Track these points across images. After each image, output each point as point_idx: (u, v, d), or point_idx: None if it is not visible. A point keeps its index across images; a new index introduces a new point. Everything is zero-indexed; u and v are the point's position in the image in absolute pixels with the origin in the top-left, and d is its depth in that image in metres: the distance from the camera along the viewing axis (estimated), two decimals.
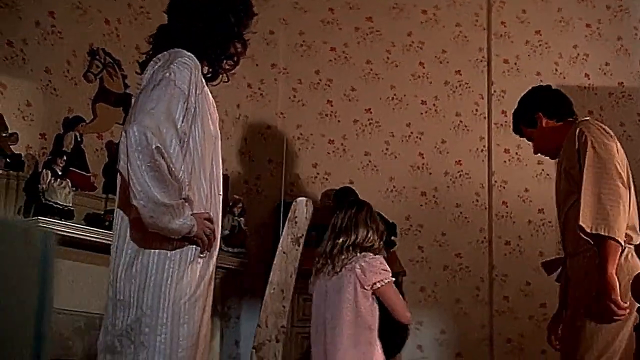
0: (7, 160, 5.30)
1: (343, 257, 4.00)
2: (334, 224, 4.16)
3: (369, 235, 4.04)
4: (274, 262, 3.62)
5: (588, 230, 3.39)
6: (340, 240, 4.05)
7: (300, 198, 3.75)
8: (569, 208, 3.65)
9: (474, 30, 7.53)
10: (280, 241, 3.62)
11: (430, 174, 7.39)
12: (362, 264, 3.98)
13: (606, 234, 3.37)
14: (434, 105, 7.51)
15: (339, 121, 7.48)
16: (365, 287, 3.95)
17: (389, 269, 3.99)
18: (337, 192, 7.10)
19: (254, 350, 3.56)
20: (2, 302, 1.12)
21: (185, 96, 2.71)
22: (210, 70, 2.96)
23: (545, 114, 4.01)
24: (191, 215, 2.67)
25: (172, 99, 2.66)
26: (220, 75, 3.01)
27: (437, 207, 7.34)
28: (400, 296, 4.06)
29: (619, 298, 3.31)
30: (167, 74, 2.70)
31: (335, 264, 4.02)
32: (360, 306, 3.94)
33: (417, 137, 7.47)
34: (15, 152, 5.37)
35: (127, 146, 2.54)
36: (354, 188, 7.04)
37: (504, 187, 7.34)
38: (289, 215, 3.61)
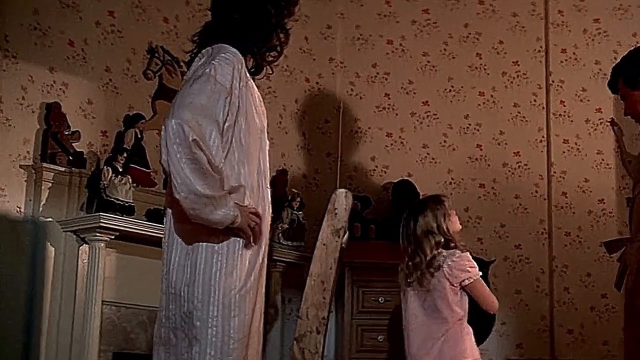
0: (70, 157, 5.44)
1: (431, 270, 4.02)
2: (408, 233, 4.15)
3: (440, 230, 4.05)
4: (314, 254, 3.66)
5: None
6: (420, 255, 4.06)
7: (339, 190, 3.77)
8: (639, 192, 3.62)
9: (531, 19, 7.48)
10: (320, 233, 3.66)
11: (489, 165, 7.37)
12: (450, 262, 4.00)
13: None
14: (491, 96, 7.49)
15: (396, 114, 7.50)
16: (454, 284, 3.99)
17: (475, 265, 4.03)
18: (395, 185, 7.13)
19: (295, 342, 3.60)
20: None
21: (227, 91, 2.74)
22: (254, 63, 2.98)
23: None
24: (235, 206, 2.69)
25: (212, 94, 2.69)
26: (265, 68, 3.02)
27: (496, 198, 7.32)
28: (487, 289, 4.09)
29: None
30: (208, 70, 2.73)
31: (425, 277, 4.03)
32: (451, 302, 3.98)
33: (475, 128, 7.45)
34: (78, 150, 5.51)
35: (166, 140, 2.58)
36: (412, 181, 7.06)
37: (563, 178, 7.28)
38: (329, 207, 3.64)
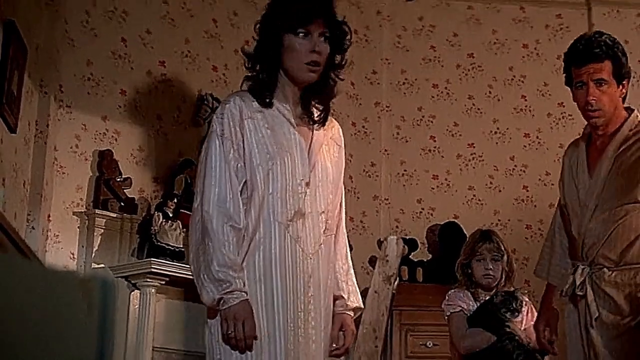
0: (122, 204, 5.58)
1: None
2: None
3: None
4: (366, 302, 3.73)
5: None
6: None
7: (390, 236, 3.85)
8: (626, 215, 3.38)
9: None
10: (372, 280, 3.72)
11: (535, 206, 7.38)
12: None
13: None
14: (537, 137, 7.51)
15: (442, 156, 7.55)
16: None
17: (451, 303, 4.20)
18: (442, 227, 7.17)
19: None
20: (60, 357, 1.20)
21: (229, 138, 2.87)
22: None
23: (627, 83, 3.49)
24: (227, 293, 2.78)
25: (217, 155, 2.87)
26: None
27: (543, 240, 7.28)
28: (459, 329, 4.22)
29: None
30: (211, 129, 2.95)
31: None
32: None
33: (521, 170, 7.48)
34: (129, 196, 5.65)
35: (190, 222, 2.90)
36: (458, 223, 7.09)
37: None
38: (380, 254, 3.71)
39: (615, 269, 3.37)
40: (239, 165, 2.86)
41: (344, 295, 3.05)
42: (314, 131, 3.01)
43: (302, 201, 2.90)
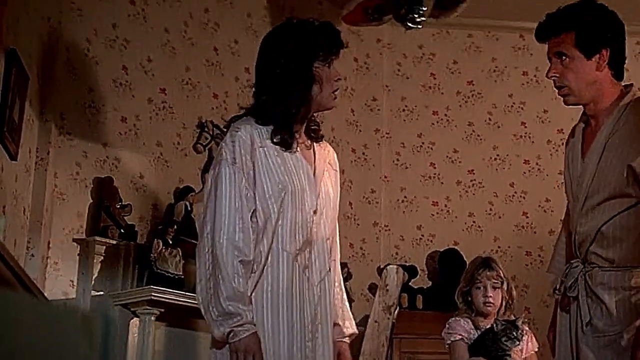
0: (121, 230, 5.57)
1: None
2: None
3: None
4: (366, 332, 3.71)
5: None
6: None
7: (390, 266, 3.84)
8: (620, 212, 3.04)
9: None
10: (372, 309, 3.71)
11: (535, 233, 7.38)
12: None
13: None
14: (537, 164, 7.53)
15: (442, 183, 7.57)
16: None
17: (452, 331, 4.17)
18: (442, 254, 7.17)
19: None
20: None
21: (240, 167, 2.86)
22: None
23: (611, 56, 3.08)
24: (244, 329, 2.79)
25: (228, 183, 2.85)
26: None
27: (543, 266, 7.28)
28: (460, 357, 4.23)
29: None
30: (220, 157, 2.92)
31: None
32: None
33: (520, 196, 7.49)
34: (129, 223, 5.64)
35: (198, 251, 2.87)
36: (458, 249, 7.09)
37: None
38: (380, 283, 3.70)
39: (608, 270, 3.03)
40: (249, 194, 2.86)
41: (340, 323, 3.08)
42: (315, 154, 3.05)
43: (311, 230, 2.93)
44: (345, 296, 3.15)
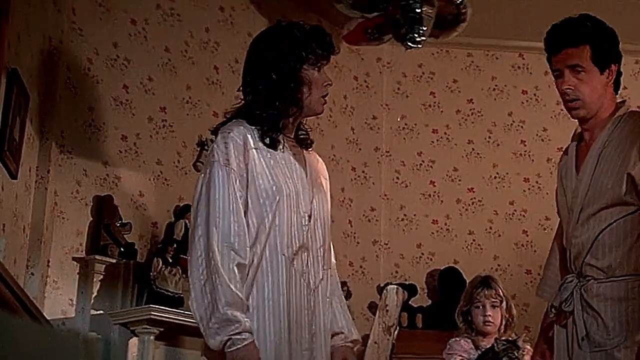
0: (121, 249, 5.57)
1: None
2: None
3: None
4: (366, 352, 3.70)
5: None
6: None
7: (390, 286, 3.83)
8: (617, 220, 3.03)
9: None
10: (372, 330, 3.70)
11: (535, 251, 7.37)
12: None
13: None
14: (536, 182, 7.54)
15: (442, 201, 7.57)
16: None
17: (452, 352, 4.20)
18: (441, 272, 7.17)
19: None
20: None
21: (233, 168, 2.79)
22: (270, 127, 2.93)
23: (616, 70, 3.14)
24: (242, 338, 2.69)
25: (221, 185, 2.77)
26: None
27: None
28: None
29: None
30: (212, 158, 2.83)
31: None
32: None
33: (520, 214, 7.49)
34: (129, 241, 5.64)
35: (190, 258, 2.75)
36: (458, 268, 7.09)
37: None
38: (380, 303, 3.69)
39: (604, 281, 2.99)
40: (242, 196, 2.79)
41: (343, 331, 3.01)
42: (306, 161, 3.01)
43: (306, 235, 2.88)
44: (346, 307, 3.09)
